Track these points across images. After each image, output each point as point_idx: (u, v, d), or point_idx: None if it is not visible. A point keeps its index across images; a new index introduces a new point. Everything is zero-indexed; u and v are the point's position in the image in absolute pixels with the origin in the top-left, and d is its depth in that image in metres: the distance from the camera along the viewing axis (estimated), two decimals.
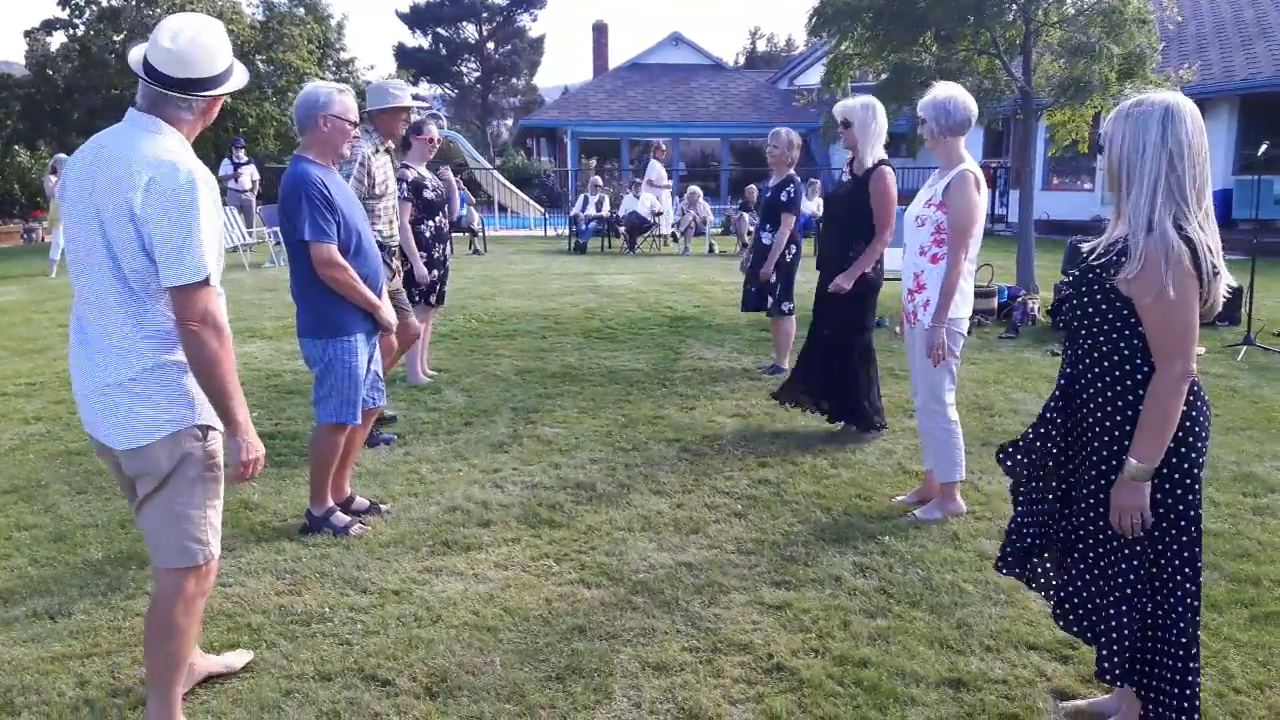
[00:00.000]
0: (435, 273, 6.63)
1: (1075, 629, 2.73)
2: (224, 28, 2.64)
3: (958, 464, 4.44)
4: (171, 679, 2.67)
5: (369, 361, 4.30)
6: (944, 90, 4.28)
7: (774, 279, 7.15)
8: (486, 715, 2.87)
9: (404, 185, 6.21)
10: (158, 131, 2.48)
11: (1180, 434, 2.44)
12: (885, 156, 5.30)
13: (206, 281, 2.40)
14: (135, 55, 2.53)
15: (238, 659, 3.09)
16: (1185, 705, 2.52)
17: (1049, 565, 2.83)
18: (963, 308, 4.35)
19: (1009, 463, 2.89)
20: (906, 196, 5.34)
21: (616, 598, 3.63)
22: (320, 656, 3.18)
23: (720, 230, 20.36)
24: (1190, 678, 2.53)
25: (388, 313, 4.26)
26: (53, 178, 14.97)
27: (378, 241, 4.88)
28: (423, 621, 3.43)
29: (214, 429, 2.59)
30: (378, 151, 5.36)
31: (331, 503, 4.30)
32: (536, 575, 3.83)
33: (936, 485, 4.51)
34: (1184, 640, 2.52)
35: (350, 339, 4.14)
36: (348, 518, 4.29)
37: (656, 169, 19.05)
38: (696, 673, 3.10)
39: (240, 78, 2.63)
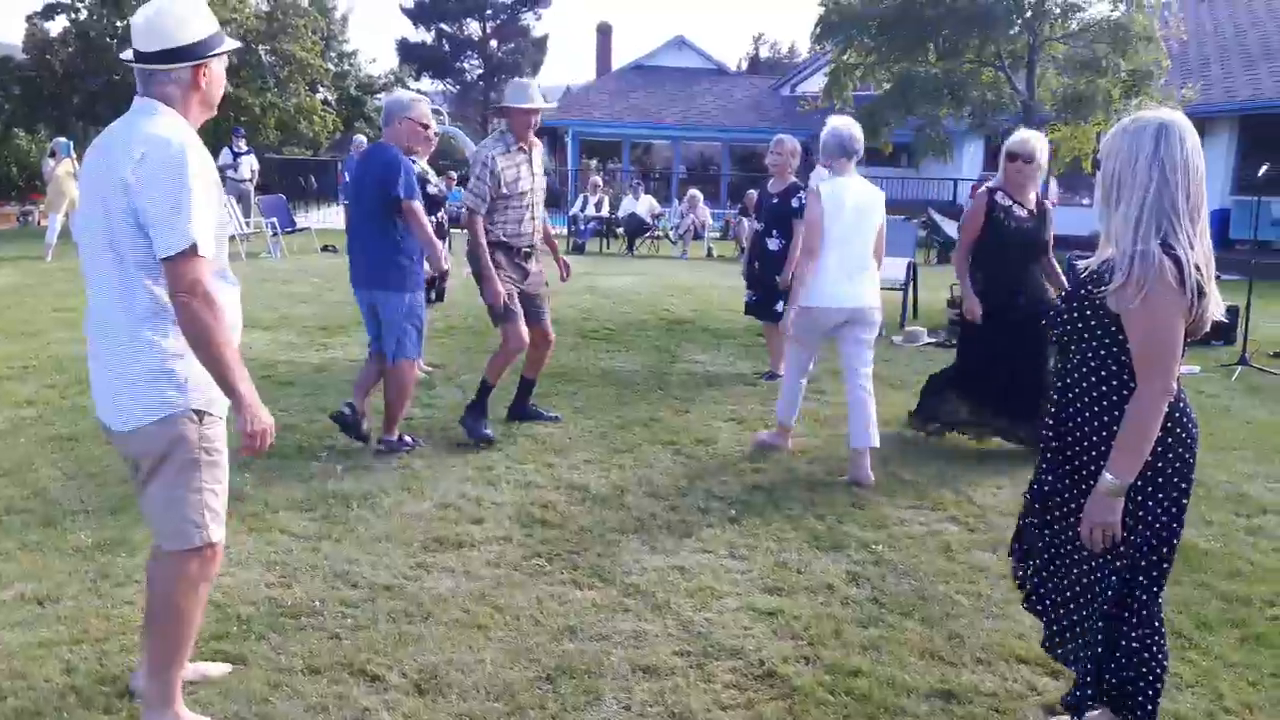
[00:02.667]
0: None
1: (1066, 659, 2.77)
2: (206, 6, 2.63)
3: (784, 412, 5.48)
4: (172, 662, 2.65)
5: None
6: (833, 122, 5.24)
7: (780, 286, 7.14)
8: (475, 714, 2.85)
9: None
10: (155, 112, 2.51)
11: (1160, 450, 2.45)
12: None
13: (195, 251, 2.37)
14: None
15: (215, 669, 3.04)
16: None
17: (1041, 579, 2.85)
18: (807, 299, 5.09)
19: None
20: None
21: (608, 599, 3.62)
22: (309, 650, 3.17)
23: (719, 234, 20.36)
24: (1154, 693, 2.58)
25: (441, 251, 5.36)
26: (50, 161, 14.89)
27: (503, 240, 5.37)
28: (413, 618, 3.42)
29: (210, 414, 2.59)
30: (509, 151, 5.32)
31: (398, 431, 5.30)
32: (528, 574, 3.82)
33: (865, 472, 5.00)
34: (1147, 655, 2.57)
35: (422, 291, 5.26)
36: (411, 437, 5.37)
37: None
38: (687, 677, 3.10)
39: (224, 45, 2.61)
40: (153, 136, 2.43)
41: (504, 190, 5.27)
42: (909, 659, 3.24)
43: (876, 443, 5.04)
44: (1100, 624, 2.57)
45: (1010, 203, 5.48)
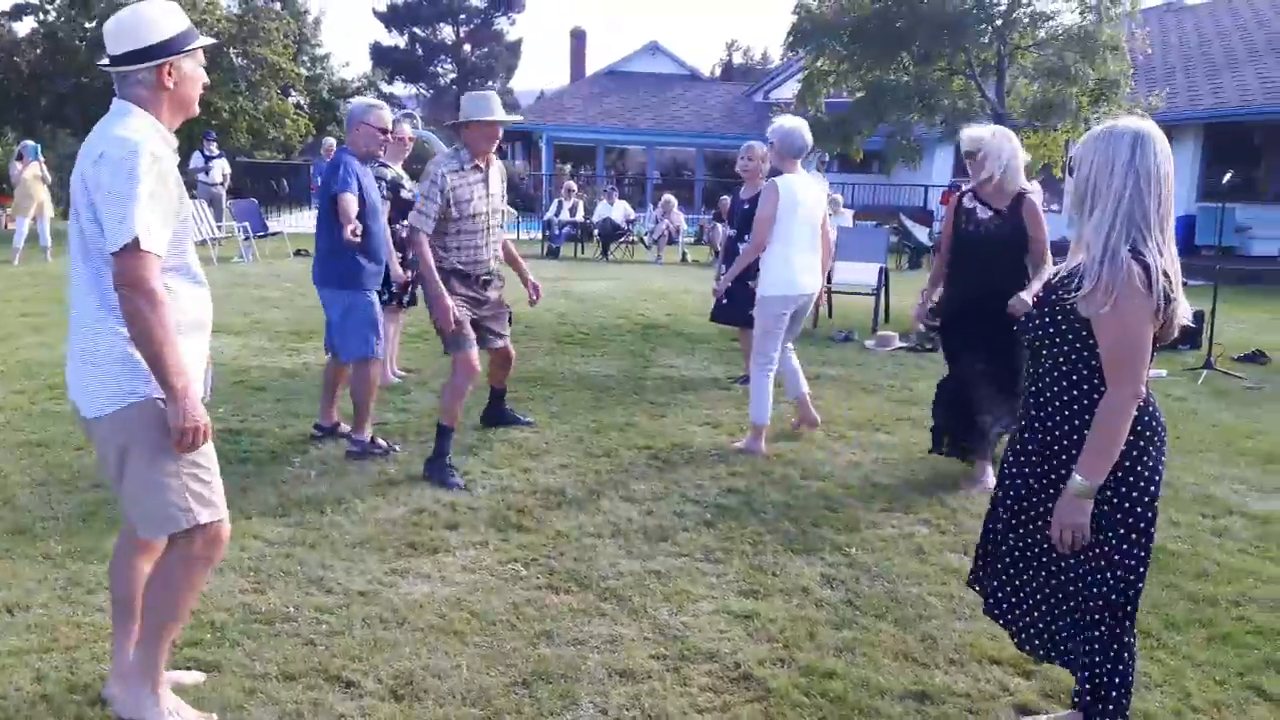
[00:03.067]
0: (409, 273, 6.59)
1: (1050, 656, 2.79)
2: (177, 7, 2.64)
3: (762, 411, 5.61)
4: (158, 637, 2.68)
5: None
6: (787, 122, 5.56)
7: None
8: (451, 719, 2.85)
9: (383, 185, 6.16)
10: (126, 114, 2.55)
11: (1132, 453, 2.49)
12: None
13: (138, 246, 2.39)
14: None
15: (188, 677, 3.02)
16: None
17: (1001, 581, 2.88)
18: (771, 289, 5.52)
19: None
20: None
21: (584, 604, 3.62)
22: (284, 656, 3.15)
23: (693, 239, 20.42)
24: (1126, 692, 2.63)
25: (354, 226, 5.09)
26: (18, 164, 14.69)
27: (458, 268, 5.03)
28: (388, 623, 3.41)
29: None
30: (461, 169, 4.92)
31: (370, 433, 5.32)
32: (504, 579, 3.82)
33: (811, 414, 5.92)
34: (1126, 655, 2.62)
35: (368, 291, 5.33)
36: (384, 442, 5.39)
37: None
38: (663, 680, 3.11)
39: (192, 43, 2.61)
40: (115, 138, 2.48)
41: (454, 213, 4.88)
42: (883, 660, 3.27)
43: (808, 389, 5.94)
44: (1074, 624, 2.61)
45: (974, 205, 5.04)
